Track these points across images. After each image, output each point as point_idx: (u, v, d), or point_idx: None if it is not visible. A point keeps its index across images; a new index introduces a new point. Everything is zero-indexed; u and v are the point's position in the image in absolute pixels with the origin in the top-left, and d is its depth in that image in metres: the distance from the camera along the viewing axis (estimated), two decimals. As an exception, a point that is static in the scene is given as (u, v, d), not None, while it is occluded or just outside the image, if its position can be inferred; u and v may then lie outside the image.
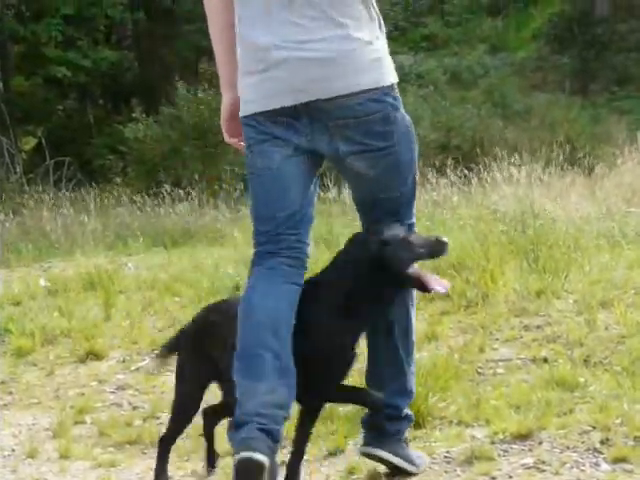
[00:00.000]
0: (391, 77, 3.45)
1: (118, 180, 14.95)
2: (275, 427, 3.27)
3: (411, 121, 3.55)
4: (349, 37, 3.36)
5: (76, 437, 4.42)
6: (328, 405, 4.30)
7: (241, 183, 12.53)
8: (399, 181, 3.53)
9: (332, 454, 3.92)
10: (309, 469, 3.77)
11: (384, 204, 3.55)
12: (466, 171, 11.71)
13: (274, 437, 3.27)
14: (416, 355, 4.53)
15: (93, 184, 14.33)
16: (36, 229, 11.63)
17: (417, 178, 3.62)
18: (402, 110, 3.49)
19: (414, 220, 3.65)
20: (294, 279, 3.49)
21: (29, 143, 20.15)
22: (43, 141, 15.32)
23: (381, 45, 3.45)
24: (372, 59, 3.40)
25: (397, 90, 3.49)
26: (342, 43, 3.35)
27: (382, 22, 3.50)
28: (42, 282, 7.73)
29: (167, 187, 12.98)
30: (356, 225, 3.78)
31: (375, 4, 3.47)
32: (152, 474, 3.87)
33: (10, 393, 5.26)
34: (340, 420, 4.15)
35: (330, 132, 3.42)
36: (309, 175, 3.52)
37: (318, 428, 4.11)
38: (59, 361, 5.75)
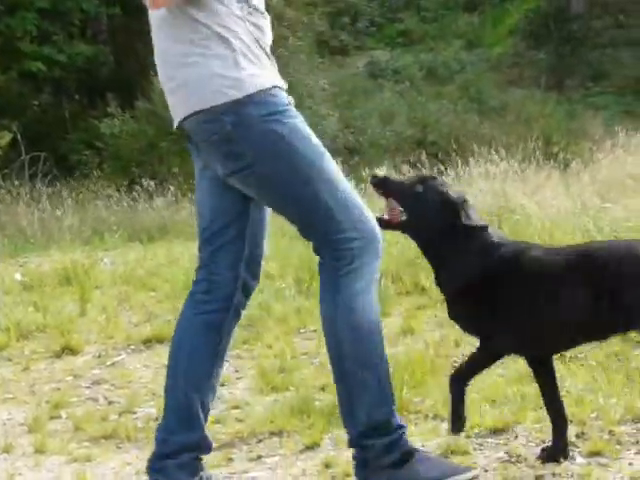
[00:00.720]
0: (236, 93, 3.17)
1: (96, 174, 14.87)
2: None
3: (296, 134, 3.19)
4: (183, 62, 3.24)
5: (51, 432, 4.40)
6: (303, 399, 4.31)
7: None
8: (283, 200, 3.27)
9: (309, 448, 3.92)
10: (285, 463, 3.77)
11: (291, 223, 3.35)
12: (442, 167, 11.73)
13: None
14: (392, 350, 4.54)
15: (69, 179, 14.25)
16: (12, 224, 11.57)
17: (327, 192, 3.20)
18: (268, 124, 3.17)
19: (342, 235, 3.21)
20: (199, 308, 3.41)
21: (4, 138, 20.02)
22: (18, 136, 15.21)
23: (217, 63, 3.19)
24: (203, 78, 3.20)
25: (255, 104, 3.17)
26: (179, 66, 3.26)
27: (230, 38, 3.19)
28: (17, 276, 7.70)
29: (144, 182, 12.94)
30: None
31: (225, 20, 3.20)
32: (128, 469, 3.88)
33: (-15, 388, 5.23)
34: (316, 414, 4.15)
35: (202, 154, 3.35)
36: (222, 193, 3.34)
37: (293, 423, 4.12)
38: (34, 356, 5.72)
